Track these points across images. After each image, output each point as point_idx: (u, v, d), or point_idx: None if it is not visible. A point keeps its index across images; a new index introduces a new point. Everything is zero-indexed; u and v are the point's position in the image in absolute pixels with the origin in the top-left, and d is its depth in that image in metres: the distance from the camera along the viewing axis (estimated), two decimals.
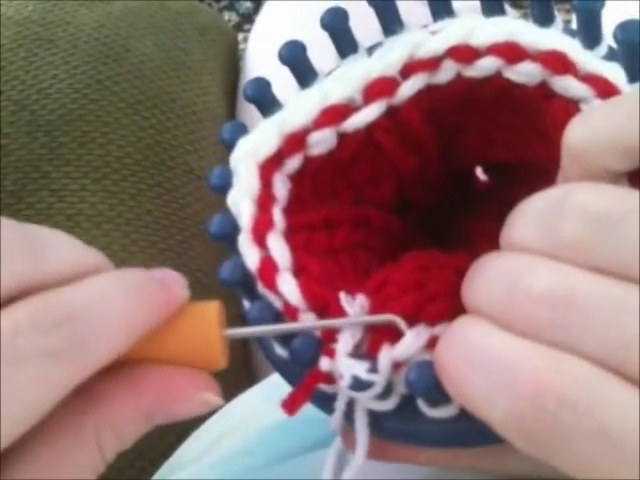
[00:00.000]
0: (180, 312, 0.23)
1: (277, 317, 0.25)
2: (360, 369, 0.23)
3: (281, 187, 0.27)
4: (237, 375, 0.61)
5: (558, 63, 0.24)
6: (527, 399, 0.18)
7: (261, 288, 0.25)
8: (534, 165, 0.28)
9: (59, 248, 0.22)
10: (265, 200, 0.26)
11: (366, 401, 0.24)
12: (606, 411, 0.18)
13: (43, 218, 0.55)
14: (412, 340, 0.23)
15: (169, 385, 0.22)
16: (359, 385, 0.23)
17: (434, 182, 0.32)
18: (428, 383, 0.22)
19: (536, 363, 0.18)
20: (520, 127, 0.28)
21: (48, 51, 0.61)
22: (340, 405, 0.24)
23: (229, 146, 0.27)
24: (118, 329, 0.21)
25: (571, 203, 0.19)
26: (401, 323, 0.23)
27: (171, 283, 0.23)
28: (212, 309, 0.23)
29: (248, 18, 1.20)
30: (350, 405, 0.24)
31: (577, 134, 0.21)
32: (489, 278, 0.21)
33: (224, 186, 0.26)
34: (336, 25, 0.27)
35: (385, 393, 0.24)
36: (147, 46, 0.64)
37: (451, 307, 0.23)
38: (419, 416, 0.24)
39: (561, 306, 0.19)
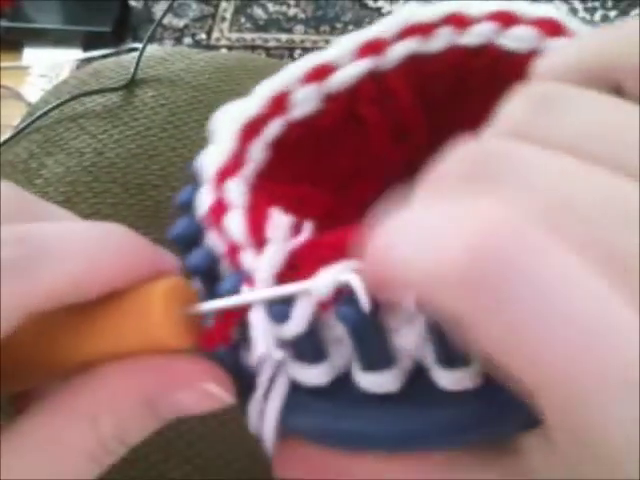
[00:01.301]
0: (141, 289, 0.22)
1: (215, 263, 0.22)
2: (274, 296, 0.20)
3: (258, 153, 0.25)
4: None
5: (552, 27, 0.24)
6: (465, 249, 0.14)
7: (208, 229, 0.23)
8: None
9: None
10: (237, 159, 0.24)
11: (293, 367, 0.20)
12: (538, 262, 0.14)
13: None
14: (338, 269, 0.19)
15: (169, 371, 0.22)
16: (276, 315, 0.19)
17: None
18: (363, 315, 0.18)
19: (477, 215, 0.15)
20: None
21: None
22: (265, 373, 0.21)
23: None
24: (77, 256, 0.21)
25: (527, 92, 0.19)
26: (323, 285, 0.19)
27: (161, 254, 0.23)
28: (164, 283, 0.22)
29: None
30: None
31: (542, 64, 0.21)
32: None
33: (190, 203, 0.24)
34: None
35: (316, 357, 0.20)
36: None
37: None
38: (357, 399, 0.19)
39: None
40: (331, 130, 0.26)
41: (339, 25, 1.49)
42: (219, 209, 0.23)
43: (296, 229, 0.21)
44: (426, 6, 0.26)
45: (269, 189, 0.25)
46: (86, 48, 1.46)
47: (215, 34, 1.50)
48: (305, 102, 0.25)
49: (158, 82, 0.67)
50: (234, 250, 0.22)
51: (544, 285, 0.14)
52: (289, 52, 1.46)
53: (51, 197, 0.59)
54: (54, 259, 0.20)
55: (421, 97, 0.27)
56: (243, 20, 1.52)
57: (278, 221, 0.21)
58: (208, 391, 0.21)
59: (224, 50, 1.46)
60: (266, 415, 0.20)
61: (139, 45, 0.75)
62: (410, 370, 0.19)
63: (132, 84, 0.67)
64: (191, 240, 0.23)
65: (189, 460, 0.50)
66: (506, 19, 0.25)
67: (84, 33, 1.49)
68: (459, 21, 0.25)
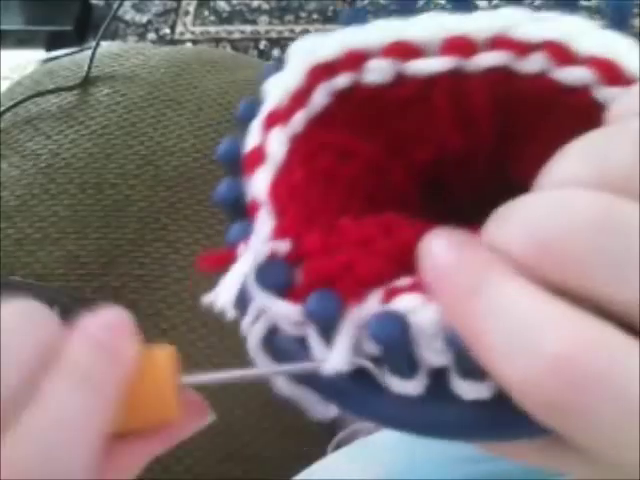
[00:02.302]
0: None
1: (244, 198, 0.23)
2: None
3: (320, 99, 0.25)
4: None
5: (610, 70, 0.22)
6: (548, 368, 0.17)
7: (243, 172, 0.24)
8: None
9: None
10: (296, 101, 0.24)
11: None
12: (633, 382, 0.16)
13: (157, 267, 0.58)
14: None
15: (170, 430, 0.23)
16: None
17: (477, 182, 0.28)
18: (396, 334, 0.19)
19: (561, 330, 0.17)
20: None
21: (175, 112, 0.65)
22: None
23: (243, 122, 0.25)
24: (84, 442, 0.21)
25: (627, 129, 0.18)
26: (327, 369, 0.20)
27: (120, 344, 0.22)
28: (164, 357, 0.22)
29: None
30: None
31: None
32: (523, 216, 0.18)
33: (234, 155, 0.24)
34: None
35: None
36: None
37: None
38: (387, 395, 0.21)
39: (606, 232, 0.17)
40: (397, 101, 0.26)
41: (303, 14, 1.48)
42: (256, 158, 0.23)
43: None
44: (528, 20, 0.24)
45: (317, 137, 0.25)
46: (49, 48, 1.45)
47: (179, 28, 1.49)
48: (379, 73, 0.25)
49: (113, 79, 0.67)
50: (254, 206, 0.23)
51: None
52: (254, 43, 1.45)
53: (6, 201, 0.58)
54: (71, 461, 0.21)
55: (497, 107, 0.26)
56: (207, 13, 1.50)
57: (261, 225, 0.22)
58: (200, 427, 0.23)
59: (189, 44, 1.45)
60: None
61: (102, 43, 0.74)
62: (432, 378, 0.21)
63: (87, 82, 0.66)
64: (234, 166, 0.24)
65: None
66: (606, 70, 0.23)
67: (46, 33, 1.47)
68: (558, 53, 0.23)
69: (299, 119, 0.24)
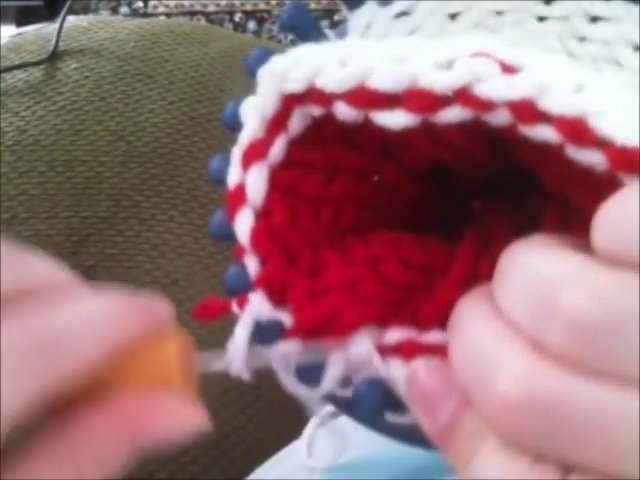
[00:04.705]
0: (148, 344, 0.23)
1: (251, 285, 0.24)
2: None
3: (298, 122, 0.24)
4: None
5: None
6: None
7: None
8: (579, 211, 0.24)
9: (39, 263, 0.21)
10: (274, 126, 0.24)
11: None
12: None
13: (131, 245, 0.57)
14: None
15: (148, 408, 0.22)
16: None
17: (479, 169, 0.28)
18: (376, 404, 0.23)
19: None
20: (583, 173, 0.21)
21: (146, 86, 0.63)
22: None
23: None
24: (92, 351, 0.21)
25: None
26: None
27: (153, 313, 0.23)
28: (174, 342, 0.22)
29: None
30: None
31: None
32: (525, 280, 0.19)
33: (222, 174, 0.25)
34: None
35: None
36: (239, 87, 0.67)
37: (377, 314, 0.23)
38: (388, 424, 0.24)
39: (544, 413, 0.18)
40: None
41: None
42: (236, 199, 0.24)
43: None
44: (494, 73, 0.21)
45: (300, 161, 0.25)
46: (20, 24, 1.42)
47: (152, 2, 1.46)
48: (347, 117, 0.23)
49: (81, 53, 0.65)
50: (240, 251, 0.23)
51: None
52: (229, 16, 1.42)
53: None
54: (65, 351, 0.20)
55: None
56: None
57: (254, 302, 0.23)
58: (189, 421, 0.22)
59: (162, 17, 1.42)
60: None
61: (71, 17, 0.72)
62: None
63: (54, 57, 0.64)
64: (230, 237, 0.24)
65: None
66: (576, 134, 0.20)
67: (16, 8, 1.44)
68: (523, 112, 0.21)
69: (279, 146, 0.24)
